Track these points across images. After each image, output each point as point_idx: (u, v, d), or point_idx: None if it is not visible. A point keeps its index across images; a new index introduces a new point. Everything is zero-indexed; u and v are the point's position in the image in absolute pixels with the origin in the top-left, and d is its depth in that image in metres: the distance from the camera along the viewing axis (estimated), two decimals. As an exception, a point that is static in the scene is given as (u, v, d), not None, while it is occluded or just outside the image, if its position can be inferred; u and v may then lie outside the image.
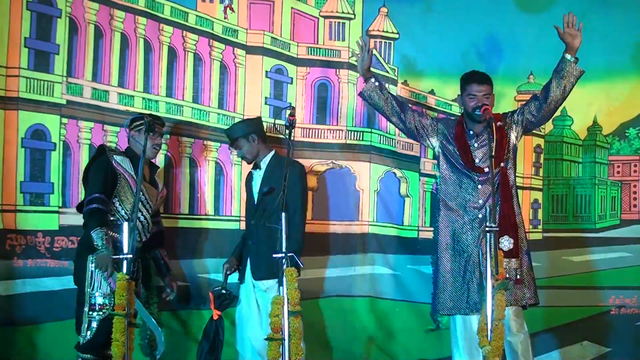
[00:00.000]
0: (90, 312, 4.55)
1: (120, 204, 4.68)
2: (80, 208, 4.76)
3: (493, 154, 4.56)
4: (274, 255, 4.40)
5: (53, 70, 5.19)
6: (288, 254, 4.33)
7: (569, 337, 5.51)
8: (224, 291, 5.01)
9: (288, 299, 4.27)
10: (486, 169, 4.80)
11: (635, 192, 5.96)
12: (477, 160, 4.85)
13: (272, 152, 5.18)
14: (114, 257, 4.41)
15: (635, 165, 5.96)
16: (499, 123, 4.74)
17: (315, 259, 5.58)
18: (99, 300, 4.56)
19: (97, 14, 5.31)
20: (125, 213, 4.67)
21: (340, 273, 5.58)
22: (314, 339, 5.42)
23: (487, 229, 4.44)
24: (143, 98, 5.43)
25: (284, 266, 4.33)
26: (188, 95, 5.53)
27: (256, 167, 5.16)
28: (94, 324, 4.54)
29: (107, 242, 4.50)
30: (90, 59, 5.30)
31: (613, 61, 5.79)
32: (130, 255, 4.34)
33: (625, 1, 5.84)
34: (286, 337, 4.22)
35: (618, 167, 5.97)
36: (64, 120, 5.21)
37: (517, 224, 4.75)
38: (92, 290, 4.56)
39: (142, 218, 4.77)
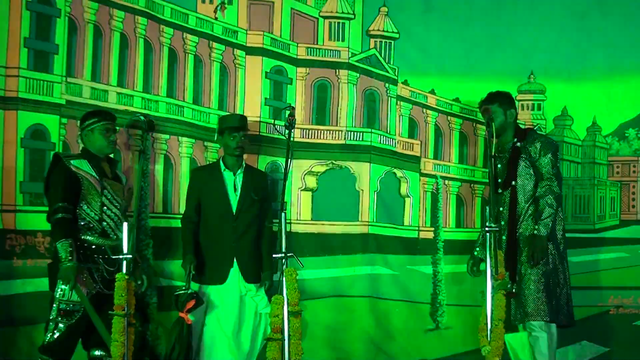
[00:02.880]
0: (59, 318, 4.53)
1: (87, 207, 4.64)
2: (49, 218, 4.75)
3: (493, 153, 4.65)
4: (274, 255, 4.40)
5: (52, 70, 5.17)
6: (288, 255, 4.33)
7: (567, 337, 5.49)
8: (190, 292, 4.84)
9: (288, 299, 4.27)
10: (499, 190, 4.94)
11: (634, 193, 5.97)
12: (499, 180, 4.97)
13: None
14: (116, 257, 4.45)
15: (634, 166, 5.97)
16: (518, 144, 4.90)
17: (315, 259, 5.60)
18: (69, 306, 4.54)
19: (96, 14, 5.30)
20: (95, 214, 4.64)
21: (340, 273, 5.59)
22: (314, 339, 5.43)
23: (486, 229, 4.48)
24: (142, 98, 5.42)
25: (284, 266, 4.33)
26: (188, 97, 5.53)
27: (225, 167, 5.12)
28: (60, 329, 4.53)
29: (71, 254, 4.45)
30: (90, 58, 5.28)
31: (613, 61, 5.81)
32: (130, 256, 4.35)
33: (625, 1, 5.84)
34: (286, 337, 4.22)
35: (617, 167, 5.98)
36: (64, 120, 5.20)
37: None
38: (63, 296, 4.55)
39: (112, 215, 4.72)
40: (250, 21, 5.66)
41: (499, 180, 4.97)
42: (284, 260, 4.34)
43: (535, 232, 4.75)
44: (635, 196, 5.97)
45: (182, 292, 4.83)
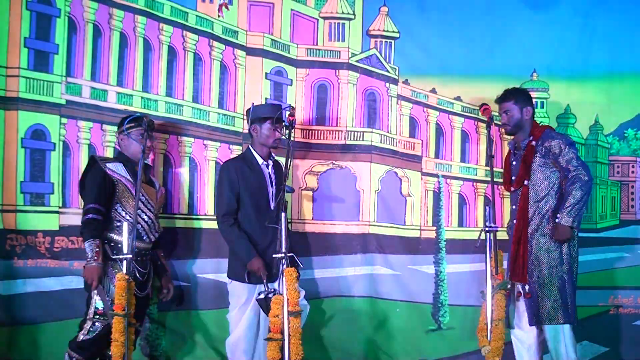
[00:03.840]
0: (96, 316, 4.57)
1: (122, 209, 4.70)
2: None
3: (492, 153, 4.66)
4: (274, 255, 4.40)
5: (52, 70, 5.20)
6: (288, 254, 4.33)
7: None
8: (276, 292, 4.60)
9: (288, 299, 4.26)
10: (512, 188, 5.00)
11: (632, 193, 5.96)
12: (513, 178, 5.01)
13: None
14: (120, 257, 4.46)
15: (633, 166, 5.96)
16: (533, 142, 4.90)
17: (315, 259, 5.59)
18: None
19: (96, 13, 5.31)
20: (130, 217, 4.69)
21: (340, 273, 5.57)
22: (314, 339, 5.42)
23: (486, 228, 4.48)
24: (142, 97, 5.42)
25: (284, 266, 4.33)
26: (188, 95, 5.53)
27: (262, 159, 5.00)
28: (96, 328, 4.58)
29: (97, 254, 4.52)
30: (89, 58, 5.30)
31: (614, 61, 5.76)
32: (130, 256, 4.37)
33: (627, 1, 5.82)
34: (286, 337, 4.22)
35: (617, 167, 5.96)
36: (64, 120, 5.23)
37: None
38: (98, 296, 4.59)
39: (146, 218, 4.79)
40: (250, 22, 5.65)
41: (513, 178, 5.00)
42: (283, 260, 4.34)
43: (557, 220, 4.77)
44: (635, 196, 5.96)
45: (269, 293, 4.60)
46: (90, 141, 5.28)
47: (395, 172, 5.83)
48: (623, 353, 5.64)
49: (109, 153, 5.28)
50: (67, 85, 5.22)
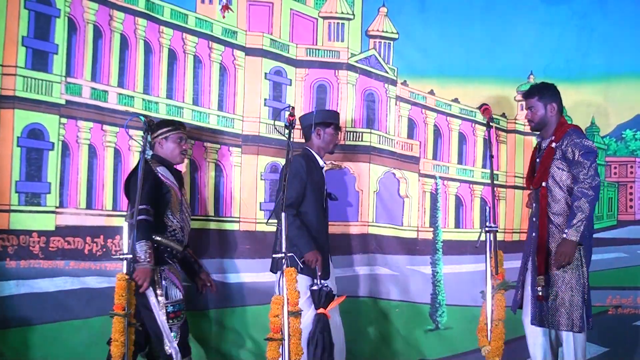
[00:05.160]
0: (170, 321, 4.57)
1: (172, 215, 4.71)
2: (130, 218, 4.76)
3: (493, 154, 4.63)
4: (274, 255, 4.40)
5: (52, 69, 5.18)
6: (288, 254, 4.32)
7: (567, 337, 5.49)
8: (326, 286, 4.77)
9: (288, 299, 4.26)
10: (531, 186, 4.92)
11: (631, 193, 5.98)
12: (537, 175, 4.90)
13: None
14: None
15: (631, 167, 5.98)
16: (553, 144, 4.77)
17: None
18: (175, 308, 4.62)
19: (96, 14, 5.31)
20: (178, 222, 4.73)
21: (340, 273, 5.55)
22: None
23: (487, 228, 4.48)
24: (143, 99, 5.42)
25: (284, 266, 4.33)
26: (188, 98, 5.52)
27: (322, 161, 5.14)
28: (175, 331, 4.60)
29: (150, 256, 4.52)
30: (90, 59, 5.29)
31: (611, 62, 5.79)
32: (130, 256, 4.34)
33: (627, 2, 5.85)
34: (286, 337, 4.22)
35: (615, 168, 5.98)
36: (63, 120, 5.21)
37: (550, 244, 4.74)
38: (166, 299, 4.59)
39: (187, 223, 4.84)
40: (249, 22, 5.65)
41: (534, 176, 4.92)
42: (284, 260, 4.34)
43: (565, 235, 4.62)
44: (633, 197, 5.98)
45: (323, 286, 4.76)
46: (90, 141, 5.27)
47: (394, 173, 5.84)
48: (622, 353, 5.66)
49: (109, 154, 5.28)
50: (67, 85, 5.21)
